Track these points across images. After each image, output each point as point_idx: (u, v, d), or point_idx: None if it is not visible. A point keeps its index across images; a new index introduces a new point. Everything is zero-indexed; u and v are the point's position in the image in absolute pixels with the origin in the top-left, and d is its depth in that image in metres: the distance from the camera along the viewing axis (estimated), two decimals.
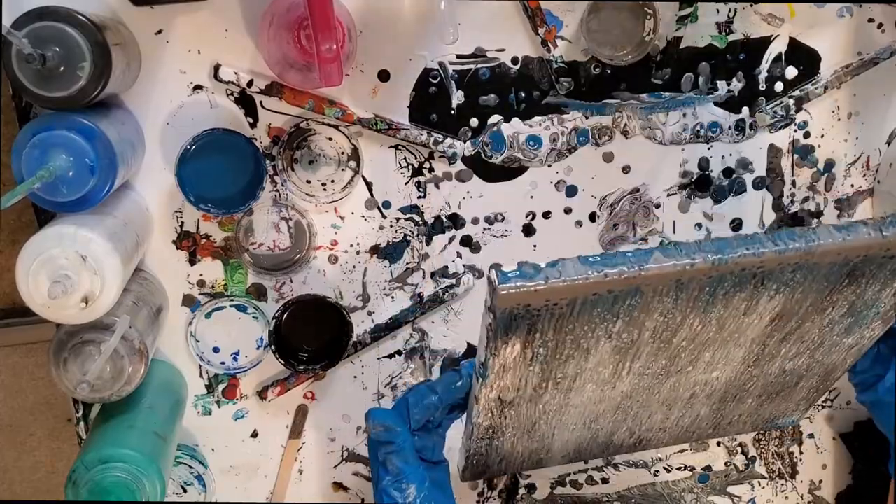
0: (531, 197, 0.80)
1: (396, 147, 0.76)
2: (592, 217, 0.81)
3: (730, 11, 0.79)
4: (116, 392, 0.65)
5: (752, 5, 0.79)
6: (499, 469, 0.76)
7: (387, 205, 0.77)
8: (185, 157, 0.69)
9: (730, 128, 0.82)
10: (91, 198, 0.60)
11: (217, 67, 0.71)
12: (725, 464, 0.90)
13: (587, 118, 0.79)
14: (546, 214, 0.80)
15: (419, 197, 0.78)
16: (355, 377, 0.81)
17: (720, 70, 0.80)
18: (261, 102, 0.73)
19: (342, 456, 0.83)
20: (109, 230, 0.62)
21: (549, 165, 0.79)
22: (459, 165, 0.78)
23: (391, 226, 0.78)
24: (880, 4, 0.81)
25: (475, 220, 0.79)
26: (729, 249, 0.55)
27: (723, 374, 0.69)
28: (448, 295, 0.80)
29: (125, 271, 0.63)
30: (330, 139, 0.75)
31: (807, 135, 0.84)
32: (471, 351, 0.82)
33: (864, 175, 0.86)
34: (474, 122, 0.77)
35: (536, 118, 0.78)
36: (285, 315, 0.74)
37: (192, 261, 0.75)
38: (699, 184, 0.83)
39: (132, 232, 0.67)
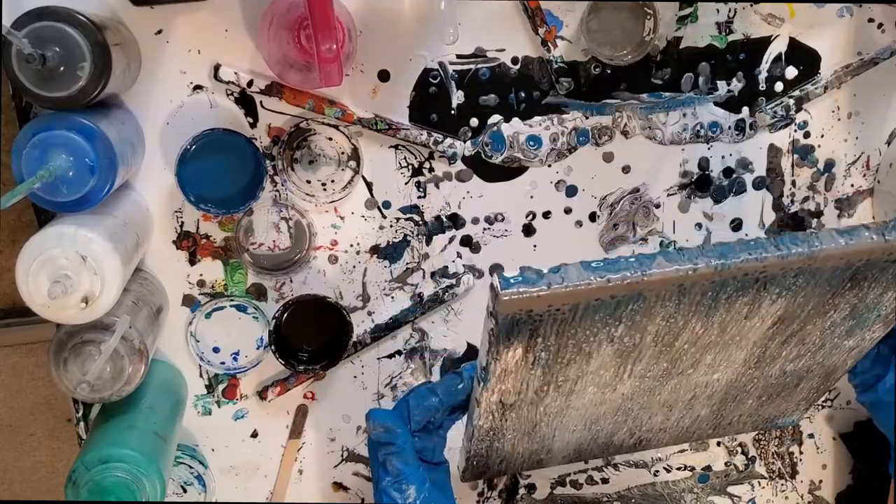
0: (531, 197, 0.80)
1: (396, 147, 0.76)
2: (592, 217, 0.81)
3: (730, 11, 0.79)
4: (116, 392, 0.65)
5: (752, 5, 0.79)
6: (499, 469, 0.76)
7: (387, 205, 0.77)
8: (185, 157, 0.69)
9: (730, 128, 0.82)
10: (91, 198, 0.60)
11: (217, 67, 0.71)
12: (725, 464, 0.90)
13: (587, 118, 0.79)
14: (546, 214, 0.80)
15: (419, 197, 0.78)
16: (355, 377, 0.81)
17: (720, 70, 0.80)
18: (261, 102, 0.73)
19: (342, 456, 0.83)
20: (109, 230, 0.62)
21: (549, 165, 0.79)
22: (459, 165, 0.78)
23: (391, 226, 0.78)
24: (880, 4, 0.81)
25: (475, 220, 0.79)
26: (732, 254, 0.55)
27: (724, 376, 0.69)
28: (448, 295, 0.80)
29: (125, 271, 0.63)
30: (330, 139, 0.75)
31: (807, 135, 0.84)
32: (471, 351, 0.82)
33: (864, 175, 0.86)
34: (474, 122, 0.77)
35: (536, 118, 0.78)
36: (285, 315, 0.74)
37: (192, 261, 0.75)
38: (699, 184, 0.83)
39: (132, 232, 0.67)
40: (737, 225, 0.85)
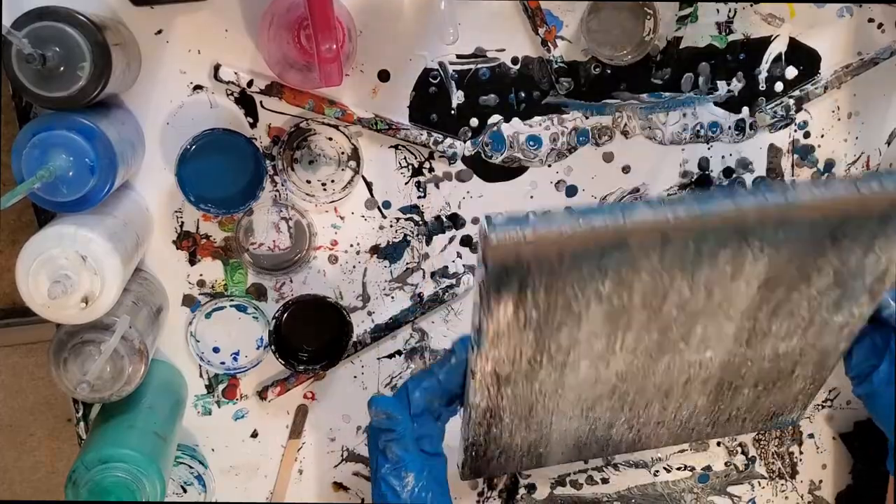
0: (531, 197, 0.80)
1: (396, 147, 0.76)
2: None
3: (730, 11, 0.79)
4: (116, 392, 0.65)
5: (752, 5, 0.79)
6: (498, 465, 0.76)
7: (387, 205, 0.77)
8: (185, 157, 0.69)
9: (730, 128, 0.82)
10: (91, 198, 0.60)
11: (217, 67, 0.71)
12: (725, 464, 0.90)
13: (587, 118, 0.79)
14: None
15: (419, 197, 0.78)
16: (355, 377, 0.81)
17: (720, 70, 0.80)
18: (261, 102, 0.73)
19: (342, 456, 0.83)
20: (109, 230, 0.62)
21: (549, 165, 0.79)
22: (459, 165, 0.78)
23: (391, 226, 0.78)
24: (880, 4, 0.81)
25: (475, 220, 0.79)
26: (712, 201, 0.57)
27: (716, 355, 0.70)
28: (448, 295, 0.80)
29: (125, 271, 0.63)
30: (330, 139, 0.75)
31: (807, 135, 0.84)
32: None
33: None
34: (474, 122, 0.77)
35: (536, 118, 0.78)
36: (285, 315, 0.74)
37: (192, 261, 0.75)
38: (699, 184, 0.83)
39: (132, 232, 0.67)
40: None
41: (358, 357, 0.80)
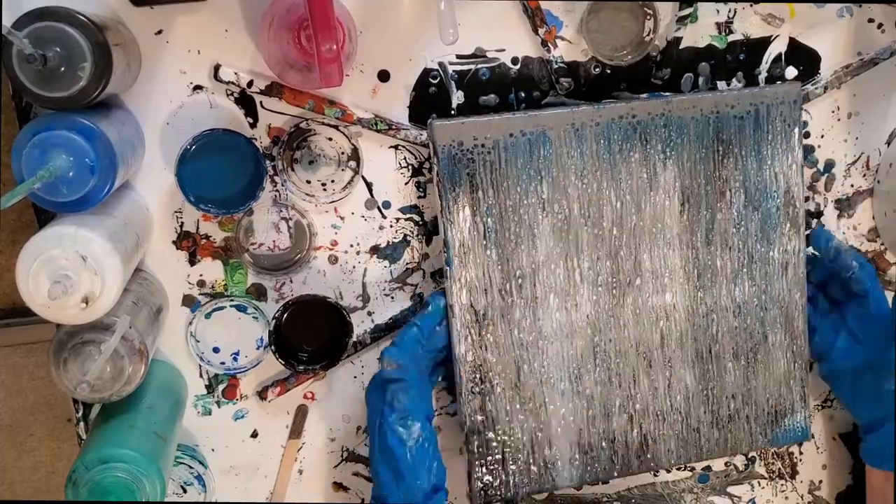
0: None
1: (396, 147, 0.76)
2: None
3: (730, 11, 0.79)
4: (116, 392, 0.65)
5: (752, 5, 0.79)
6: (508, 479, 0.77)
7: (387, 205, 0.77)
8: (185, 157, 0.69)
9: None
10: (91, 198, 0.60)
11: (217, 67, 0.71)
12: (725, 464, 0.90)
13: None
14: None
15: (419, 197, 0.78)
16: (355, 377, 0.81)
17: (720, 70, 0.80)
18: (261, 102, 0.73)
19: (342, 456, 0.83)
20: (109, 230, 0.62)
21: None
22: None
23: (391, 226, 0.78)
24: (880, 4, 0.81)
25: None
26: (605, 101, 0.76)
27: (677, 300, 0.79)
28: None
29: (125, 271, 0.63)
30: (330, 139, 0.75)
31: (807, 135, 0.84)
32: None
33: (864, 175, 0.86)
34: None
35: None
36: (285, 315, 0.74)
37: (192, 261, 0.75)
38: None
39: (132, 232, 0.67)
40: None
41: (358, 357, 0.80)
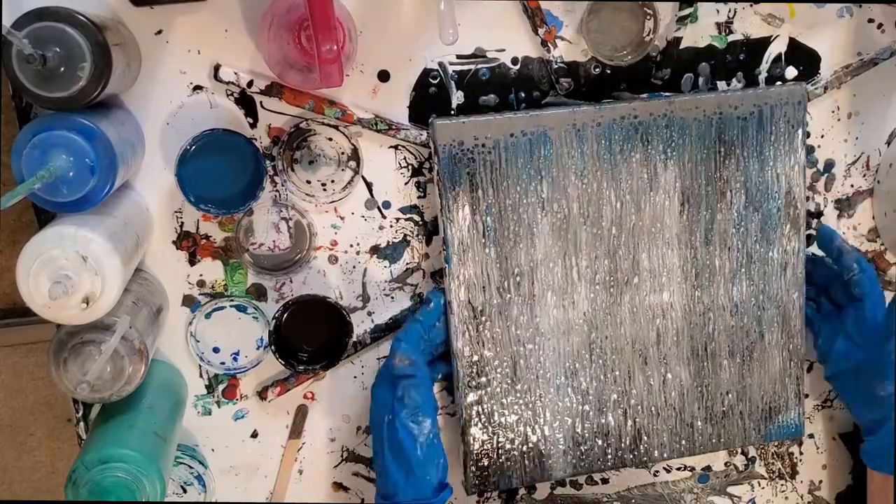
0: None
1: (396, 147, 0.76)
2: None
3: (730, 11, 0.79)
4: (116, 392, 0.65)
5: (752, 5, 0.79)
6: (501, 469, 0.77)
7: (387, 205, 0.77)
8: (185, 158, 0.69)
9: None
10: (91, 198, 0.60)
11: (217, 67, 0.71)
12: (725, 464, 0.90)
13: None
14: None
15: (419, 197, 0.78)
16: (355, 377, 0.81)
17: (720, 70, 0.80)
18: (261, 103, 0.73)
19: (342, 456, 0.83)
20: (109, 230, 0.62)
21: None
22: None
23: (391, 226, 0.78)
24: (880, 4, 0.81)
25: None
26: (605, 101, 0.75)
27: (675, 299, 0.78)
28: None
29: (125, 271, 0.63)
30: (330, 139, 0.75)
31: (807, 135, 0.84)
32: None
33: (864, 175, 0.86)
34: None
35: None
36: (285, 315, 0.74)
37: (192, 261, 0.75)
38: None
39: (132, 232, 0.67)
40: None
41: (358, 357, 0.80)
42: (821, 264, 0.83)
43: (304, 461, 0.82)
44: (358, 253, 0.78)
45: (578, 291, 0.77)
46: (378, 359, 0.81)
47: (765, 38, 0.81)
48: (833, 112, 0.84)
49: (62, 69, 0.58)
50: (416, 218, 0.78)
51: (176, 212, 0.74)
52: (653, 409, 0.80)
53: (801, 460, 0.92)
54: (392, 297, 0.80)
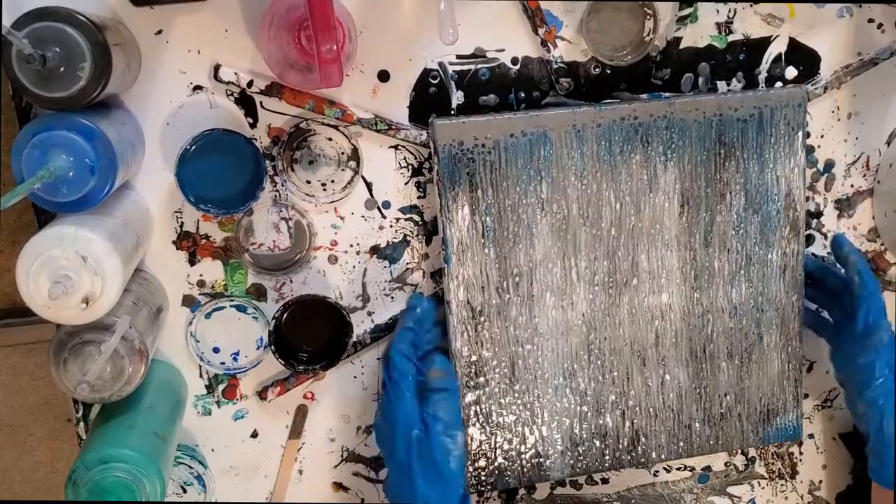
0: None
1: (396, 147, 0.76)
2: None
3: (730, 11, 0.79)
4: (116, 392, 0.65)
5: (752, 5, 0.79)
6: (499, 469, 0.77)
7: (387, 205, 0.77)
8: (185, 158, 0.69)
9: None
10: (91, 198, 0.60)
11: (217, 67, 0.71)
12: (725, 464, 0.90)
13: None
14: None
15: (419, 197, 0.78)
16: (355, 377, 0.81)
17: (720, 70, 0.80)
18: (261, 103, 0.73)
19: (342, 456, 0.83)
20: (109, 230, 0.62)
21: None
22: None
23: (391, 226, 0.78)
24: (880, 4, 0.81)
25: None
26: (606, 101, 0.75)
27: (673, 300, 0.78)
28: None
29: (125, 271, 0.63)
30: (330, 139, 0.75)
31: (807, 135, 0.84)
32: None
33: (864, 175, 0.86)
34: None
35: None
36: (285, 315, 0.74)
37: (192, 261, 0.75)
38: None
39: (132, 232, 0.67)
40: None
41: (358, 357, 0.80)
42: (830, 272, 0.83)
43: (304, 461, 0.82)
44: (358, 253, 0.78)
45: (577, 292, 0.77)
46: (378, 359, 0.80)
47: (765, 39, 0.81)
48: (833, 112, 0.84)
49: (62, 69, 0.58)
50: (416, 218, 0.78)
51: (176, 212, 0.74)
52: (651, 410, 0.80)
53: (801, 460, 0.92)
54: (392, 297, 0.80)
